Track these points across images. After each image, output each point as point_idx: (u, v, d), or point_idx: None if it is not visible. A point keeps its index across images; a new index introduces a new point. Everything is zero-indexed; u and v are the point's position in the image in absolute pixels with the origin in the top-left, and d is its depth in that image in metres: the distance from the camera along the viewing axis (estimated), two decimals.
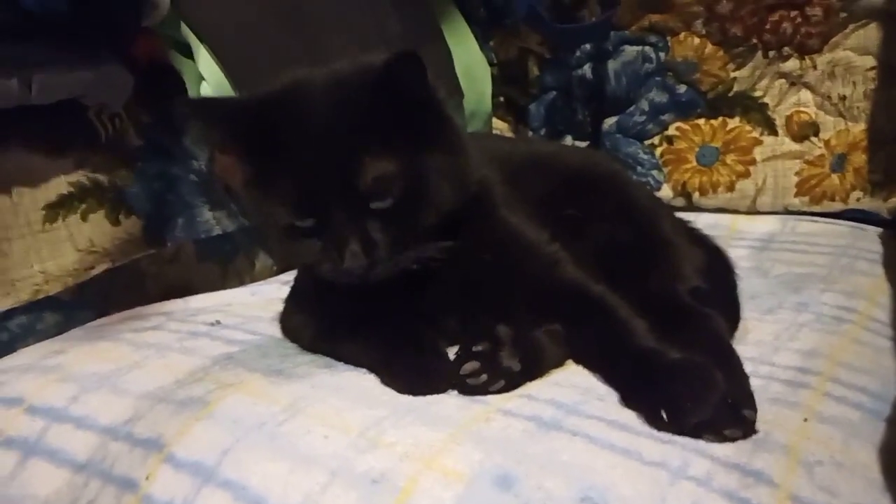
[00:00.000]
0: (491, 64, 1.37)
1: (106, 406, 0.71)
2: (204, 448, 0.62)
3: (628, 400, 0.63)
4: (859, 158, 1.19)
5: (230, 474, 0.59)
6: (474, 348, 0.67)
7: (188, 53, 1.04)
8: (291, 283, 1.08)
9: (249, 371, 0.73)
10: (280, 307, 0.88)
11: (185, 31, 1.02)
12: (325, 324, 0.77)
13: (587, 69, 1.32)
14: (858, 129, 1.19)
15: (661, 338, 0.68)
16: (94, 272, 0.99)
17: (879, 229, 1.19)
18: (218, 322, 0.91)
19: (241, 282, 1.20)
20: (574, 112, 1.35)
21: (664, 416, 0.59)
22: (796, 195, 1.24)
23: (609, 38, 1.28)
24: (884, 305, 0.92)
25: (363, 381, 0.70)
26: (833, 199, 1.22)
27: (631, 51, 1.28)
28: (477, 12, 1.38)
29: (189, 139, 1.12)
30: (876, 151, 1.18)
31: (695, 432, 0.58)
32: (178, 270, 1.12)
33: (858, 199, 1.21)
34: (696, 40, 1.24)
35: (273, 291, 1.09)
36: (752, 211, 1.27)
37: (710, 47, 1.23)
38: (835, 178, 1.21)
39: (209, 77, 1.03)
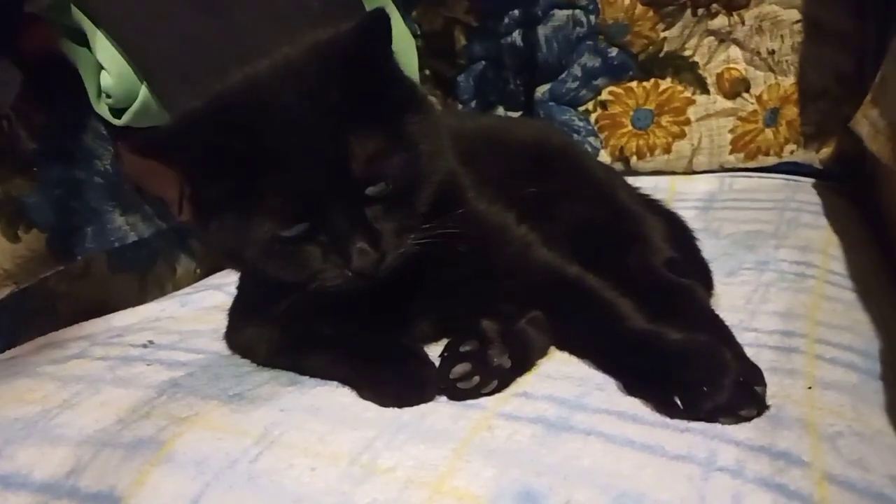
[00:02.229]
0: (415, 35, 1.30)
1: (39, 458, 0.60)
2: (168, 499, 0.53)
3: (632, 388, 0.59)
4: (791, 112, 1.20)
5: None
6: (461, 348, 0.62)
7: (83, 41, 0.92)
8: (224, 288, 1.00)
9: (203, 399, 0.65)
10: (216, 316, 0.79)
11: (78, 15, 0.89)
12: (284, 335, 0.69)
13: (517, 36, 1.27)
14: (789, 82, 1.19)
15: (651, 317, 0.64)
16: None
17: (812, 180, 1.21)
18: (151, 343, 0.81)
19: (162, 291, 1.10)
20: (505, 82, 1.30)
21: (678, 402, 0.55)
22: (731, 152, 1.24)
23: (538, 2, 1.23)
24: (837, 258, 0.93)
25: (339, 398, 0.63)
26: (767, 154, 1.23)
27: (561, 15, 1.24)
28: None
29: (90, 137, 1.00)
30: (807, 104, 1.19)
31: (710, 416, 0.55)
32: (90, 286, 1.01)
33: (792, 152, 1.22)
34: (627, 1, 1.21)
35: (205, 299, 1.00)
36: (689, 171, 1.27)
37: (640, 8, 1.21)
38: (769, 132, 1.22)
39: (110, 66, 0.91)
